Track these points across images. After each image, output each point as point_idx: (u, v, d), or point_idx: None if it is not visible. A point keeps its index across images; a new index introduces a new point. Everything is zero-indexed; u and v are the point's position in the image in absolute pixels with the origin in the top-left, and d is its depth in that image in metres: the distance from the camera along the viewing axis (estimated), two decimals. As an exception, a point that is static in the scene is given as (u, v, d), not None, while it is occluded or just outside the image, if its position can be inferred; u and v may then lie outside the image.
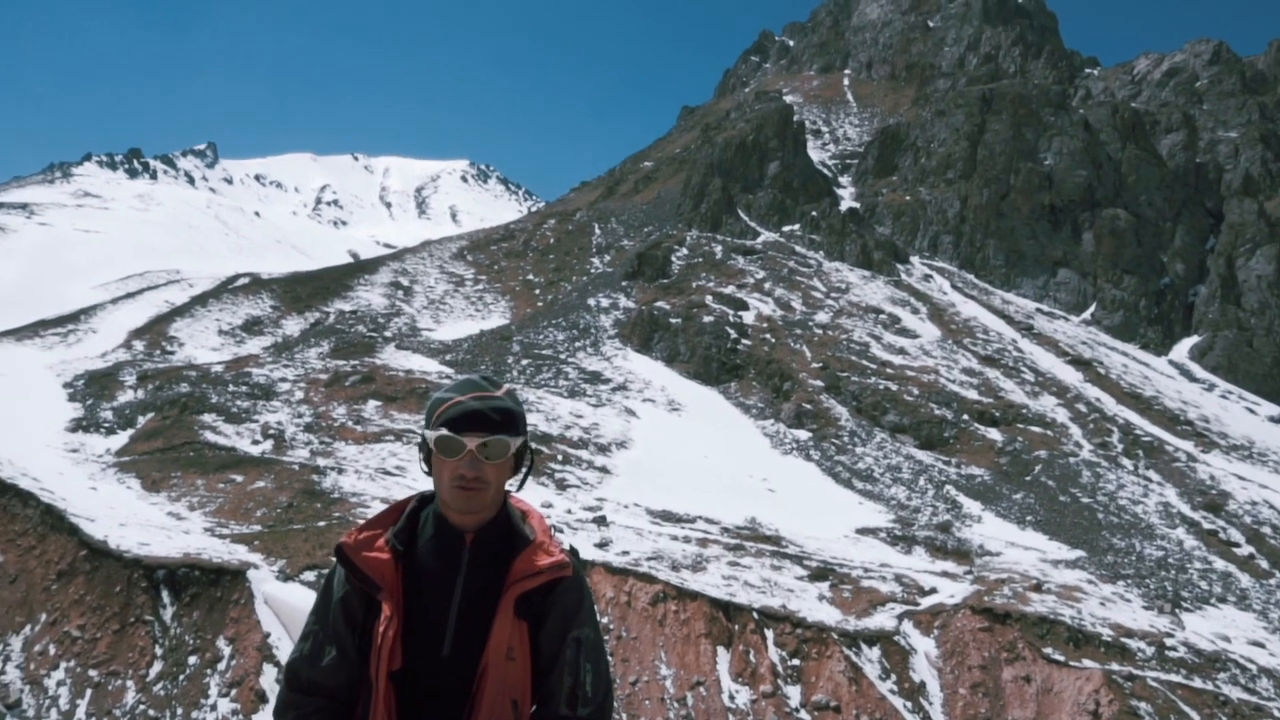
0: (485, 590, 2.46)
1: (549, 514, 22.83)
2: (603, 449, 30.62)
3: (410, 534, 2.55)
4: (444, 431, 2.42)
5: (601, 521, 22.67)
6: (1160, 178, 59.22)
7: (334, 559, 2.55)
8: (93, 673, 14.83)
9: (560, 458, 28.93)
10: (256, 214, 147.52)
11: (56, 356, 40.16)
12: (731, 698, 16.59)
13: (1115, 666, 18.03)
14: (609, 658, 2.60)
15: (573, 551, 2.59)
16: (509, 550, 2.51)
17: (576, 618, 2.51)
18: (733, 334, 42.90)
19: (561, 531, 21.33)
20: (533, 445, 2.67)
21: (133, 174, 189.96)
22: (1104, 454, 34.97)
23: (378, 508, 19.77)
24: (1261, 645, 21.10)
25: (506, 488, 2.61)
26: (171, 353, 41.58)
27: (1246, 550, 28.11)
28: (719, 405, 38.13)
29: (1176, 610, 22.30)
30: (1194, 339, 51.57)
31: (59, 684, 14.68)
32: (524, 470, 2.60)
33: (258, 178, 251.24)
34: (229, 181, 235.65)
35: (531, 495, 24.49)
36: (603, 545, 20.57)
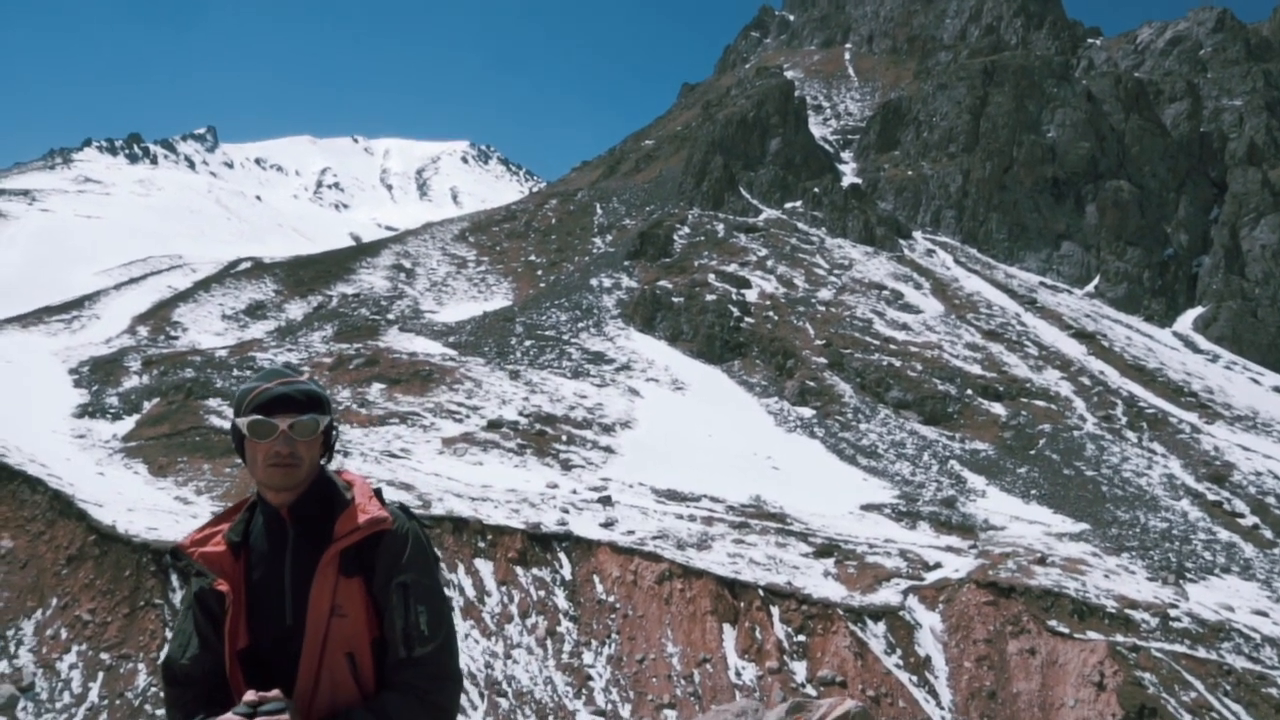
0: (314, 557, 2.60)
1: (554, 494, 22.92)
2: (607, 429, 30.69)
3: (248, 525, 2.72)
4: (256, 416, 2.58)
5: (607, 501, 22.75)
6: (1164, 148, 58.86)
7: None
8: (104, 656, 14.97)
9: (565, 438, 29.00)
10: (258, 198, 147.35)
11: (61, 343, 40.25)
12: (738, 674, 16.71)
13: (1120, 638, 18.13)
14: (449, 604, 2.76)
15: (402, 508, 2.75)
16: (330, 516, 2.66)
17: (399, 565, 2.62)
18: (735, 312, 42.86)
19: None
20: (337, 423, 2.81)
21: (133, 159, 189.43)
22: (1108, 427, 34.98)
23: (384, 490, 19.85)
24: (1265, 614, 21.20)
25: (321, 463, 2.77)
26: (175, 338, 41.65)
27: (1251, 520, 28.17)
28: (722, 384, 38.16)
29: (1180, 581, 22.39)
30: (1198, 310, 51.43)
31: (71, 667, 14.82)
32: (332, 446, 2.80)
33: (258, 161, 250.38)
34: (229, 165, 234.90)
35: (536, 475, 24.60)
36: (608, 525, 20.66)
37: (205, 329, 43.52)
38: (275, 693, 2.37)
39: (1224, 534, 26.94)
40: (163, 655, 2.74)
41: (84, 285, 55.30)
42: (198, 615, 2.62)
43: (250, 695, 2.37)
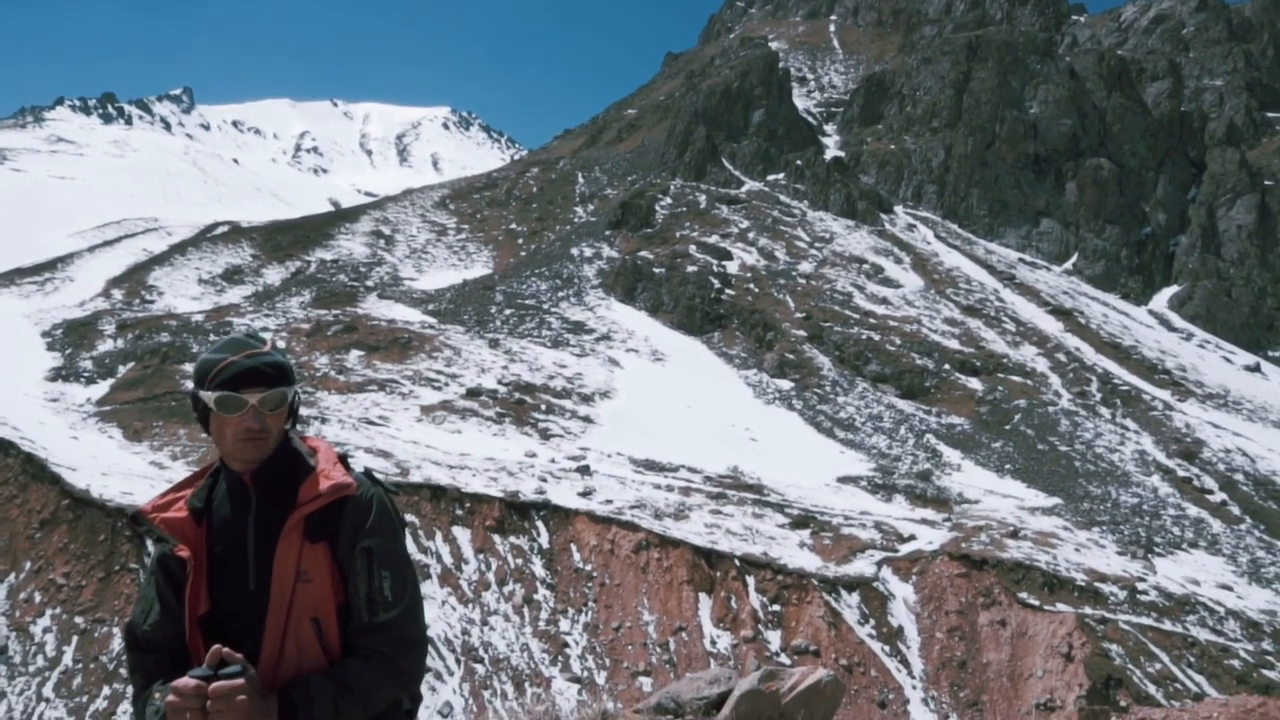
0: (278, 523, 2.60)
1: (532, 463, 22.96)
2: (586, 399, 30.71)
3: (211, 491, 2.71)
4: (224, 391, 2.58)
5: (585, 470, 22.81)
6: (1144, 127, 59.08)
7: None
8: (79, 620, 14.93)
9: (544, 407, 29.01)
10: (235, 161, 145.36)
11: (34, 305, 39.74)
12: (713, 642, 16.88)
13: (1088, 610, 18.44)
14: (414, 570, 2.74)
15: (367, 474, 2.73)
16: (294, 481, 2.65)
17: (364, 530, 2.61)
18: (716, 284, 42.86)
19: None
20: (300, 390, 2.80)
21: (107, 119, 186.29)
22: (1082, 403, 35.36)
23: (361, 457, 19.83)
24: (1230, 588, 21.61)
25: (285, 429, 2.76)
26: (151, 302, 41.21)
27: (1219, 497, 28.63)
28: (702, 355, 38.23)
29: (1149, 555, 22.76)
30: (1174, 288, 51.90)
31: (45, 631, 14.77)
32: (296, 412, 2.78)
33: (235, 124, 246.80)
34: (206, 128, 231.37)
35: (515, 444, 24.61)
36: (586, 494, 20.73)
37: (181, 293, 43.07)
38: (239, 655, 2.36)
39: (1193, 510, 27.38)
40: (126, 620, 2.73)
41: (57, 247, 54.54)
42: (160, 580, 2.61)
43: (211, 656, 2.36)
